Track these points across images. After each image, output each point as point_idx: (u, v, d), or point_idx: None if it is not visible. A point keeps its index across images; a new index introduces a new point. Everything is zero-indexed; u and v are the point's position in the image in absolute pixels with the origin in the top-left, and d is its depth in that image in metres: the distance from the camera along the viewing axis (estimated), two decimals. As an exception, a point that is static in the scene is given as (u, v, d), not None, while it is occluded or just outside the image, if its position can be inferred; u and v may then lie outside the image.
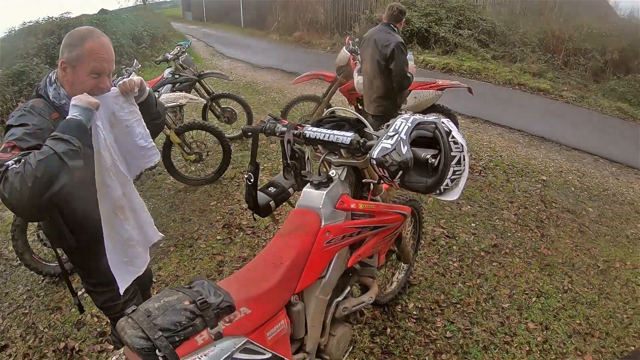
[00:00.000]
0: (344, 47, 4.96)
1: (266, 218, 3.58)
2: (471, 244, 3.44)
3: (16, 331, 2.97)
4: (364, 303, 1.85)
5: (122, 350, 1.24)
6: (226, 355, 1.23)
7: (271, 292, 1.42)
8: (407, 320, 2.68)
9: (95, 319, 2.89)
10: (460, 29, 10.86)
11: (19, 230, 3.20)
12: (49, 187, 1.29)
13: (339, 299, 1.75)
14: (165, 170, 4.46)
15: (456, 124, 4.91)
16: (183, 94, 4.50)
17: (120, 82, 1.64)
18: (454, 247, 3.40)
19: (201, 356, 1.19)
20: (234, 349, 1.26)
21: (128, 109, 1.64)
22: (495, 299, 2.88)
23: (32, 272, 3.37)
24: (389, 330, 2.61)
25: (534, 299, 2.89)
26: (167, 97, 4.29)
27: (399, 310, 2.76)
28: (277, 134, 1.81)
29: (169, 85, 4.79)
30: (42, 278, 3.40)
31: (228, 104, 5.55)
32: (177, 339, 1.15)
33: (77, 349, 2.73)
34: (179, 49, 5.21)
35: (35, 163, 1.27)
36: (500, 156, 5.18)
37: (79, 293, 3.00)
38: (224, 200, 4.24)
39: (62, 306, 3.10)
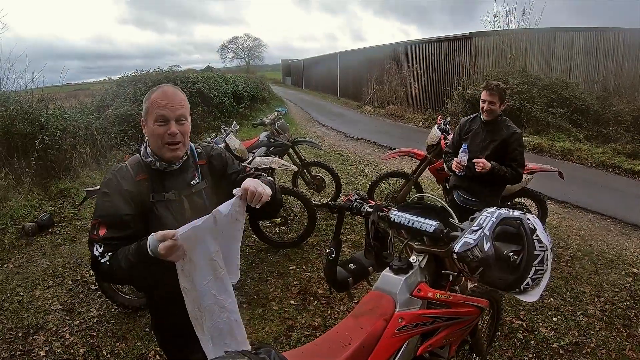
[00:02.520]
0: (436, 126, 5.00)
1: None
2: (551, 339, 3.19)
3: (80, 350, 3.21)
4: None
5: None
6: None
7: None
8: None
9: (158, 357, 3.02)
10: (552, 107, 10.57)
11: None
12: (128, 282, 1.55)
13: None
14: (250, 228, 4.65)
15: (546, 209, 4.71)
16: (276, 158, 4.77)
17: (242, 193, 1.54)
18: (532, 342, 3.17)
19: None
20: None
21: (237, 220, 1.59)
22: (572, 404, 2.63)
23: (107, 299, 3.64)
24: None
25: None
26: (261, 160, 4.57)
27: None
28: (363, 214, 1.86)
29: (264, 148, 5.11)
30: (115, 307, 3.65)
31: (318, 172, 5.78)
32: None
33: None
34: (276, 114, 5.57)
35: (112, 268, 1.52)
36: (590, 245, 4.84)
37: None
38: (303, 266, 4.32)
39: (128, 337, 3.30)
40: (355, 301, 1.85)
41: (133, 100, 9.77)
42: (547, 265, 1.48)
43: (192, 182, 1.74)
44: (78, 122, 7.55)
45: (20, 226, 5.33)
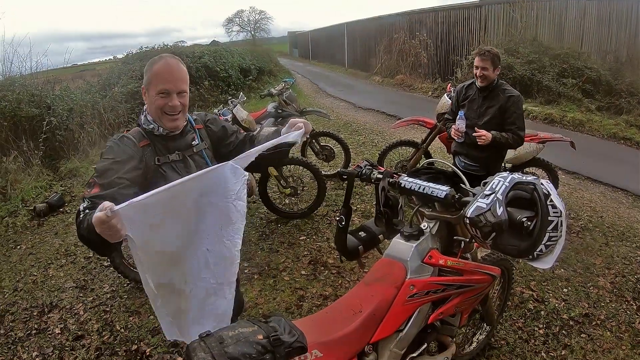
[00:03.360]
0: (445, 94, 4.92)
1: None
2: (561, 310, 3.18)
3: (94, 325, 3.26)
4: (441, 362, 1.79)
5: None
6: None
7: (346, 338, 1.44)
8: (482, 385, 2.54)
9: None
10: (564, 77, 10.36)
11: None
12: (89, 244, 1.45)
13: (414, 355, 1.71)
14: (260, 199, 4.66)
15: (557, 179, 4.65)
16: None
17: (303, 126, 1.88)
18: (542, 312, 3.16)
19: None
20: None
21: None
22: (579, 374, 2.63)
23: (119, 275, 3.67)
24: (461, 392, 2.48)
25: (620, 379, 2.60)
26: (269, 131, 4.52)
27: (476, 372, 2.62)
28: (373, 181, 1.84)
29: (272, 119, 5.07)
30: (127, 282, 3.70)
31: (327, 142, 5.73)
32: None
33: (148, 353, 2.91)
34: (283, 85, 5.48)
35: (78, 230, 1.44)
36: (601, 217, 4.78)
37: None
38: (314, 237, 4.33)
39: (141, 311, 3.34)
40: (366, 270, 1.83)
41: (139, 77, 9.66)
42: (561, 231, 1.46)
43: (192, 143, 1.83)
44: (85, 101, 7.57)
45: (32, 207, 5.37)
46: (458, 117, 3.52)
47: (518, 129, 3.38)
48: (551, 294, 3.37)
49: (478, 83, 3.48)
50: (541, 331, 2.98)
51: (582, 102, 9.74)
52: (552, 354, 2.76)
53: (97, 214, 1.24)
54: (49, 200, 5.47)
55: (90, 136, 7.29)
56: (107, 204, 1.25)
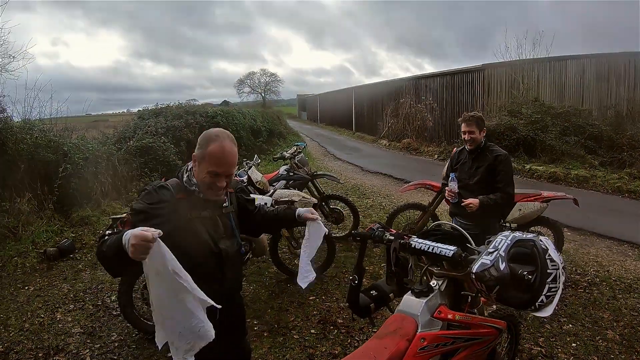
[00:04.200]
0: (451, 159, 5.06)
1: (362, 320, 3.65)
2: (570, 366, 3.17)
3: (101, 374, 3.24)
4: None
5: None
6: None
7: None
8: None
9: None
10: (566, 135, 10.63)
11: (126, 286, 3.59)
12: (104, 265, 1.61)
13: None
14: (271, 259, 4.74)
15: (562, 236, 4.74)
16: (296, 191, 4.90)
17: (314, 218, 2.07)
18: (551, 368, 3.15)
19: None
20: None
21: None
22: None
23: (128, 324, 3.70)
24: None
25: None
26: (282, 193, 4.72)
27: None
28: (385, 242, 1.95)
29: (284, 182, 5.25)
30: (136, 332, 3.70)
31: (337, 205, 5.87)
32: None
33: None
34: (295, 148, 5.71)
35: (97, 249, 1.60)
36: (608, 271, 4.80)
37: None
38: (323, 297, 4.36)
39: (150, 362, 3.32)
40: (376, 328, 1.90)
41: (154, 132, 10.03)
42: (559, 282, 1.56)
43: (223, 205, 1.94)
44: (100, 152, 7.77)
45: (42, 250, 5.45)
46: (450, 179, 3.75)
47: (506, 185, 3.59)
48: (560, 349, 3.36)
49: (467, 147, 3.76)
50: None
51: (585, 158, 9.96)
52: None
53: (142, 231, 1.39)
54: (60, 245, 5.56)
55: (104, 186, 7.45)
56: (155, 231, 1.41)
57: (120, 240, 1.44)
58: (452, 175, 3.76)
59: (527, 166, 10.02)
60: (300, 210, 2.10)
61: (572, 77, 13.40)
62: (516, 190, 4.49)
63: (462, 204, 3.52)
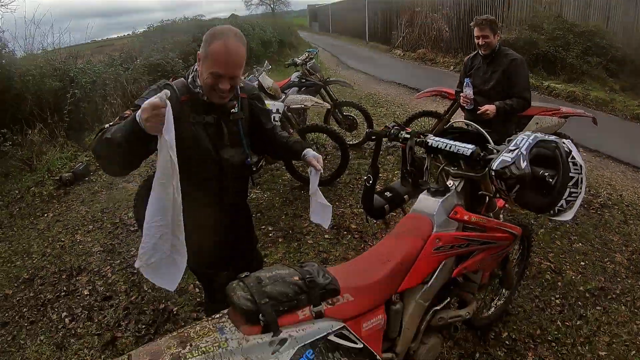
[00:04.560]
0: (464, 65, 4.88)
1: (375, 225, 3.67)
2: (577, 283, 3.21)
3: (122, 286, 3.38)
4: (461, 317, 1.86)
5: (226, 311, 1.33)
6: (321, 335, 1.31)
7: (375, 285, 1.50)
8: (498, 349, 2.59)
9: (197, 290, 3.17)
10: (588, 55, 10.12)
11: (141, 200, 3.58)
12: (101, 160, 1.52)
13: (438, 307, 1.77)
14: (284, 167, 4.75)
15: (577, 155, 4.62)
16: (309, 97, 4.75)
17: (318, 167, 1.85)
18: (559, 283, 3.19)
19: (299, 330, 1.28)
20: (330, 331, 1.34)
21: None
22: (593, 344, 2.66)
23: None
24: (477, 355, 2.55)
25: (633, 352, 2.62)
26: (294, 99, 4.58)
27: (492, 337, 2.67)
28: (400, 141, 1.88)
29: (295, 89, 5.09)
30: (153, 244, 3.78)
31: (350, 111, 5.72)
32: (281, 308, 1.26)
33: (175, 312, 3.02)
34: (307, 55, 5.48)
35: (97, 140, 1.47)
36: (621, 195, 4.75)
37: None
38: (337, 203, 4.38)
39: (168, 273, 3.44)
40: (391, 229, 1.89)
41: (161, 49, 9.77)
42: (581, 187, 1.50)
43: (231, 110, 1.80)
44: (107, 74, 7.63)
45: (58, 177, 5.51)
46: (465, 84, 3.64)
47: (522, 90, 3.49)
48: (568, 267, 3.39)
49: (481, 51, 3.64)
50: (557, 301, 3.02)
51: (605, 81, 9.56)
52: (568, 324, 2.81)
53: (151, 99, 1.31)
54: (74, 170, 5.61)
55: (114, 108, 7.36)
56: (162, 93, 1.32)
57: (134, 119, 1.36)
58: (466, 80, 3.65)
59: (546, 83, 9.65)
60: (308, 152, 1.92)
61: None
62: (535, 104, 4.35)
63: (478, 112, 3.43)
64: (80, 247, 4.02)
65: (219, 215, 1.89)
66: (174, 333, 1.22)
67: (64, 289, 3.43)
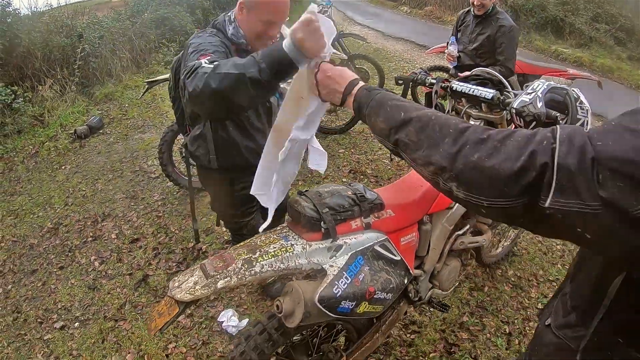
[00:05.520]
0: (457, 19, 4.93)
1: (389, 170, 3.79)
2: (578, 231, 3.44)
3: (148, 229, 3.53)
4: (478, 243, 2.06)
5: (285, 223, 1.51)
6: (369, 244, 1.51)
7: (412, 205, 1.70)
8: (504, 284, 2.83)
9: (224, 229, 3.31)
10: (597, 22, 10.14)
11: (167, 145, 3.70)
12: (224, 101, 1.26)
13: (459, 232, 1.97)
14: None
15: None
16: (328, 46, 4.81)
17: None
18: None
19: (352, 238, 1.48)
20: (376, 241, 1.54)
21: None
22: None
23: (169, 183, 3.91)
24: (486, 288, 2.79)
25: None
26: None
27: (499, 274, 2.91)
28: (427, 85, 2.04)
29: None
30: (178, 189, 3.93)
31: (362, 64, 5.78)
32: (339, 217, 1.46)
33: (203, 250, 3.20)
34: (321, 7, 5.51)
35: (223, 74, 1.23)
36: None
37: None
38: (352, 150, 4.59)
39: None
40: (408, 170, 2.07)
41: (168, 3, 9.62)
42: (587, 128, 1.69)
43: None
44: (115, 28, 7.62)
45: (72, 131, 5.61)
46: (450, 42, 3.69)
47: (506, 60, 3.53)
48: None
49: (475, 11, 3.64)
50: (559, 247, 3.25)
51: (613, 49, 9.61)
52: (567, 267, 3.04)
53: (303, 17, 1.11)
54: (88, 123, 5.70)
55: (123, 62, 7.42)
56: (311, 7, 1.12)
57: (280, 48, 1.17)
58: (452, 38, 3.70)
59: (554, 47, 9.68)
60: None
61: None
62: (542, 64, 4.48)
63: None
64: (102, 195, 4.14)
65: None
66: (242, 243, 1.39)
67: (90, 234, 3.56)
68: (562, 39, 10.19)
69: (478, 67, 3.42)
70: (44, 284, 3.10)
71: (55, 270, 3.21)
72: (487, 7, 3.58)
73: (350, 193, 1.53)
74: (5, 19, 6.37)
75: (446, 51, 3.76)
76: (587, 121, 1.68)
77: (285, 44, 1.16)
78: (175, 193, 3.97)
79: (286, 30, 1.60)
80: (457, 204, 1.84)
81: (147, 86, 3.87)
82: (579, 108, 1.67)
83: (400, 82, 2.11)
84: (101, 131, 5.71)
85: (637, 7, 11.36)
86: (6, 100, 5.40)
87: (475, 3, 3.58)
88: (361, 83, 1.09)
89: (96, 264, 3.22)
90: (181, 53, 1.82)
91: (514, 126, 1.82)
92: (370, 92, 1.03)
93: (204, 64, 1.30)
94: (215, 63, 1.28)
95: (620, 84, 8.32)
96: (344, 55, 5.12)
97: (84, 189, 4.32)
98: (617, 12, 10.34)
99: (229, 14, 1.77)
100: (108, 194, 4.15)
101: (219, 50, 1.58)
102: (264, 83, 1.20)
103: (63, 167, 4.90)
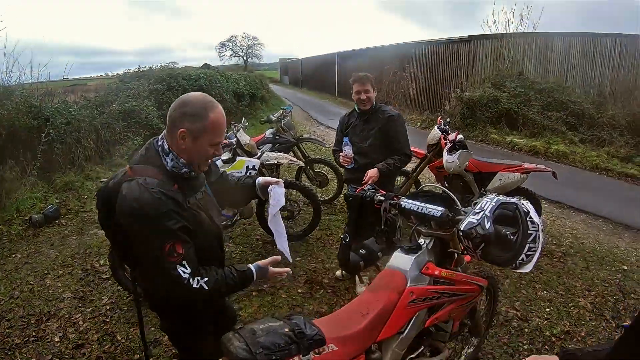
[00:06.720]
0: (436, 126, 5.05)
1: (348, 280, 3.74)
2: (544, 328, 3.36)
3: (94, 335, 3.30)
4: (435, 363, 1.96)
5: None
6: None
7: (356, 335, 1.61)
8: (470, 396, 2.68)
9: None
10: (548, 111, 10.82)
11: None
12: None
13: (412, 356, 1.88)
14: (257, 221, 4.79)
15: (540, 207, 4.87)
16: (283, 154, 4.92)
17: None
18: (526, 329, 3.33)
19: None
20: None
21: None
22: (561, 385, 2.79)
23: (119, 287, 3.74)
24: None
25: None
26: (269, 156, 4.76)
27: (464, 384, 2.76)
28: (376, 202, 2.04)
29: (269, 145, 5.26)
30: (127, 295, 3.74)
31: (321, 168, 5.92)
32: (274, 357, 1.36)
33: (151, 364, 2.96)
34: (282, 112, 5.73)
35: (220, 293, 1.66)
36: (582, 243, 5.01)
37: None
38: (309, 258, 4.47)
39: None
40: (365, 284, 2.01)
41: (137, 96, 9.87)
42: (538, 242, 1.68)
43: (202, 181, 1.80)
44: (82, 116, 7.67)
45: (27, 217, 5.41)
46: (344, 143, 3.61)
47: (402, 146, 3.60)
48: (534, 314, 3.54)
49: (360, 107, 3.68)
50: (525, 346, 3.15)
51: (565, 134, 10.13)
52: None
53: (276, 270, 1.85)
54: (45, 212, 5.52)
55: (87, 151, 7.40)
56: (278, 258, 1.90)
57: (251, 278, 1.74)
58: (345, 139, 3.60)
59: (509, 139, 10.21)
60: (259, 179, 2.02)
61: (557, 54, 13.50)
62: (497, 161, 4.62)
63: (363, 183, 3.28)
64: (50, 291, 3.93)
65: None
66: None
67: (33, 334, 3.33)
68: (516, 130, 10.79)
69: (377, 162, 3.46)
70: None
71: (-8, 368, 2.97)
72: (372, 100, 3.64)
73: (287, 330, 1.44)
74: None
75: (341, 154, 3.64)
76: (538, 235, 1.67)
77: (258, 273, 1.77)
78: (125, 298, 3.76)
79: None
80: (408, 327, 1.77)
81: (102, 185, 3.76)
82: (529, 223, 1.67)
83: (350, 199, 2.11)
84: (57, 221, 5.53)
85: (585, 92, 12.22)
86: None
87: (361, 98, 3.61)
88: None
89: (36, 368, 2.95)
90: (110, 180, 1.70)
91: (462, 246, 1.80)
92: None
93: (189, 281, 1.54)
94: (210, 285, 1.59)
95: (574, 167, 8.71)
96: (300, 162, 5.24)
97: (32, 282, 4.10)
98: (566, 99, 11.05)
99: (158, 143, 1.64)
100: (56, 291, 3.93)
101: (176, 230, 1.53)
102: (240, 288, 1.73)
103: (13, 256, 4.68)
